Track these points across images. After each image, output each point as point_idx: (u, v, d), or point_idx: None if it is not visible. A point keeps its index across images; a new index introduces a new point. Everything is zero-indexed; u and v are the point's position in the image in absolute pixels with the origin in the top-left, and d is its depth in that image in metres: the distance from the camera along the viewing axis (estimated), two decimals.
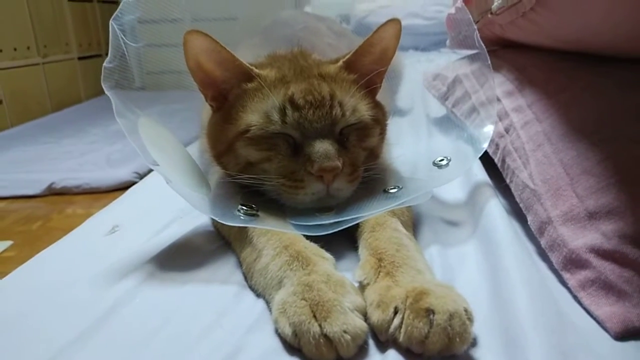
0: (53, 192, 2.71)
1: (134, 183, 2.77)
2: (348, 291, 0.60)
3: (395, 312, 0.56)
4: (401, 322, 0.55)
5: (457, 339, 0.52)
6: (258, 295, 0.68)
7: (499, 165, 0.92)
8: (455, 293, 0.57)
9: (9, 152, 2.57)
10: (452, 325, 0.52)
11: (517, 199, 0.82)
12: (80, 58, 3.32)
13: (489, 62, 0.94)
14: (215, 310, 0.64)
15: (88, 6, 3.44)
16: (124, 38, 0.79)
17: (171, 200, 0.95)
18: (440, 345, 0.53)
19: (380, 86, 0.90)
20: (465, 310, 0.55)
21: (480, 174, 0.98)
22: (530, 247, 0.77)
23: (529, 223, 0.77)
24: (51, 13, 3.03)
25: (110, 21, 0.77)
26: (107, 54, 0.77)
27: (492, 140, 0.94)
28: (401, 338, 0.54)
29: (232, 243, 0.79)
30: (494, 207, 0.81)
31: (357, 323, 0.55)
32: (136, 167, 2.79)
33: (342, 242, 0.77)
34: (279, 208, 0.79)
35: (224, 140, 0.82)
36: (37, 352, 0.58)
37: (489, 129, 0.90)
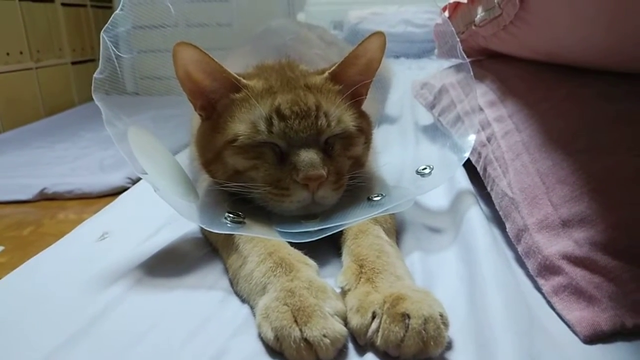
0: (45, 198, 2.71)
1: (126, 188, 2.79)
2: (329, 296, 0.62)
3: (374, 317, 0.58)
4: (379, 327, 0.57)
5: (432, 343, 0.55)
6: (243, 300, 0.70)
7: (480, 173, 0.95)
8: (432, 298, 0.59)
9: (1, 157, 2.58)
10: (427, 329, 0.55)
11: (497, 207, 0.84)
12: (73, 63, 3.33)
13: (472, 73, 0.97)
14: (201, 316, 0.66)
15: (82, 11, 3.46)
16: (115, 50, 0.81)
17: (161, 207, 0.97)
18: (415, 349, 0.55)
19: (366, 97, 0.93)
20: (441, 315, 0.57)
21: (463, 181, 1.01)
22: (508, 254, 0.80)
23: (507, 230, 0.79)
24: (44, 18, 3.04)
25: (102, 33, 0.79)
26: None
27: (474, 149, 0.97)
28: (378, 342, 0.56)
29: (219, 250, 0.81)
30: (475, 215, 0.84)
31: (337, 327, 0.58)
32: (128, 172, 2.79)
33: (327, 249, 0.79)
34: (265, 215, 0.82)
35: (212, 149, 0.85)
36: (25, 357, 0.59)
37: (472, 138, 0.93)
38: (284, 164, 0.79)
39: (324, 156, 0.80)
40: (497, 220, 0.87)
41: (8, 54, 2.75)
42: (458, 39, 0.92)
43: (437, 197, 1.01)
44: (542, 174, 0.77)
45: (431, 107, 1.32)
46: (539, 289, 0.69)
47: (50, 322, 0.66)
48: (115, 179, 2.75)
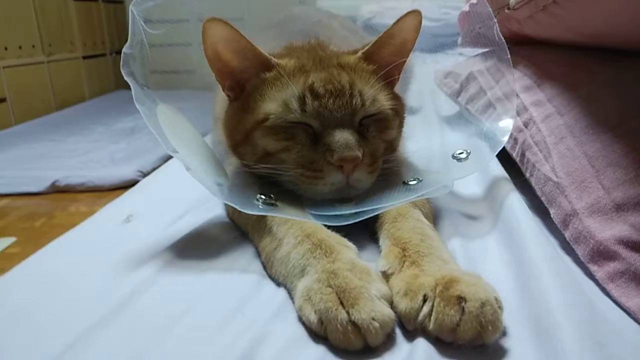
0: (56, 190, 2.70)
1: (137, 181, 2.78)
2: (374, 279, 0.58)
3: (424, 300, 0.54)
4: (431, 310, 0.53)
5: (490, 327, 0.51)
6: (279, 284, 0.66)
7: (517, 159, 0.91)
8: (485, 282, 0.56)
9: (13, 149, 2.56)
10: (484, 313, 0.51)
11: (539, 192, 0.80)
12: (85, 57, 3.32)
13: (509, 55, 0.93)
14: (235, 299, 0.63)
15: (93, 5, 3.44)
16: (143, 25, 0.78)
17: (185, 191, 0.94)
18: (472, 334, 0.51)
19: (399, 78, 0.90)
20: (496, 299, 0.53)
21: (497, 169, 0.97)
22: (553, 241, 0.76)
23: (552, 216, 0.75)
24: (56, 12, 3.03)
25: (130, 7, 0.76)
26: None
27: (509, 136, 0.93)
28: (431, 326, 0.53)
29: (250, 233, 0.78)
30: (515, 201, 0.80)
31: (385, 311, 0.54)
32: (140, 165, 2.78)
33: (362, 234, 0.75)
34: (296, 199, 0.78)
35: (241, 130, 0.81)
36: (54, 340, 0.56)
37: (508, 123, 0.89)
38: (317, 145, 0.76)
39: (359, 137, 0.77)
40: (537, 207, 0.83)
41: (20, 47, 2.73)
42: (495, 20, 0.89)
43: (470, 185, 0.97)
44: (590, 157, 0.74)
45: (457, 95, 1.28)
46: (590, 275, 0.66)
47: (76, 305, 0.63)
48: (126, 172, 2.74)
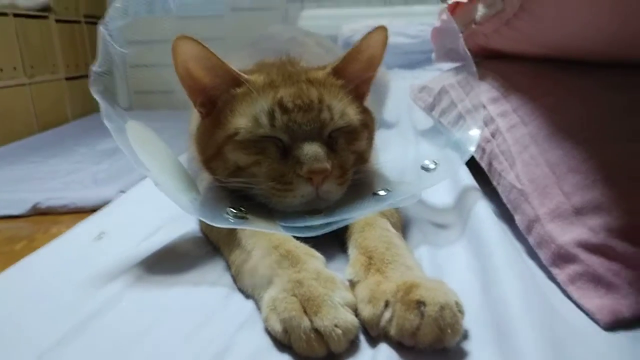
0: (38, 212, 2.67)
1: None
2: (338, 287, 0.59)
3: (386, 306, 0.55)
4: (392, 315, 0.54)
5: (449, 331, 0.52)
6: (247, 296, 0.67)
7: (485, 168, 0.93)
8: (446, 286, 0.57)
9: None
10: (444, 317, 0.52)
11: (505, 200, 0.82)
12: (67, 78, 3.32)
13: (474, 69, 0.96)
14: (203, 312, 0.63)
15: (76, 27, 3.46)
16: (113, 44, 0.79)
17: (159, 208, 0.94)
18: (432, 337, 0.52)
19: (368, 92, 0.92)
20: (456, 303, 0.54)
21: (466, 178, 0.99)
22: (518, 247, 0.77)
23: (517, 222, 0.77)
24: (38, 34, 3.04)
25: (99, 26, 0.78)
26: None
27: (478, 146, 0.95)
28: (392, 331, 0.54)
29: (221, 247, 0.78)
30: (482, 209, 0.82)
31: (348, 318, 0.55)
32: (122, 185, 2.77)
33: (331, 244, 0.77)
34: (268, 212, 0.79)
35: (212, 145, 0.83)
36: (21, 354, 0.56)
37: (476, 133, 0.91)
38: (287, 158, 0.77)
39: (328, 150, 0.78)
40: (503, 215, 0.85)
41: (1, 69, 2.73)
42: (461, 34, 0.91)
43: (440, 194, 0.99)
44: (552, 164, 0.75)
45: (431, 109, 1.31)
46: (552, 279, 0.67)
47: (46, 319, 0.63)
48: (108, 193, 2.72)
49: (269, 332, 0.58)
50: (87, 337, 0.59)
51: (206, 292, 0.68)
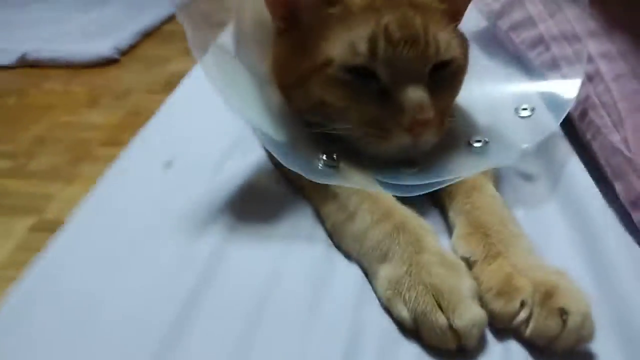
0: (25, 64, 2.52)
1: (114, 59, 2.57)
2: (465, 275, 0.57)
3: (521, 305, 0.54)
4: (528, 317, 0.53)
5: (585, 340, 0.52)
6: (349, 257, 0.64)
7: (576, 115, 0.86)
8: (578, 288, 0.55)
9: None
10: (585, 327, 0.52)
11: (603, 162, 0.78)
12: None
13: None
14: (313, 277, 0.61)
15: None
16: None
17: (213, 125, 0.87)
18: (570, 345, 0.52)
19: (465, 10, 0.81)
20: None
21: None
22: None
23: (617, 191, 0.73)
24: None
25: None
26: None
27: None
28: (529, 333, 0.53)
29: (306, 191, 0.73)
30: (578, 171, 0.78)
31: (482, 314, 0.54)
32: (115, 41, 2.62)
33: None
34: (356, 155, 0.73)
35: (294, 72, 0.73)
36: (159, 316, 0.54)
37: (574, 79, 0.83)
38: (385, 101, 0.69)
39: (430, 94, 0.70)
40: (592, 170, 0.81)
41: None
42: None
43: None
44: None
45: (497, 17, 1.18)
46: None
47: (146, 292, 0.58)
48: (101, 48, 2.57)
49: (387, 311, 0.57)
50: (214, 299, 0.57)
51: (307, 252, 0.65)
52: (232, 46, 0.84)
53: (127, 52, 2.66)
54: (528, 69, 1.04)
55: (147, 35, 2.92)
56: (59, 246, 0.66)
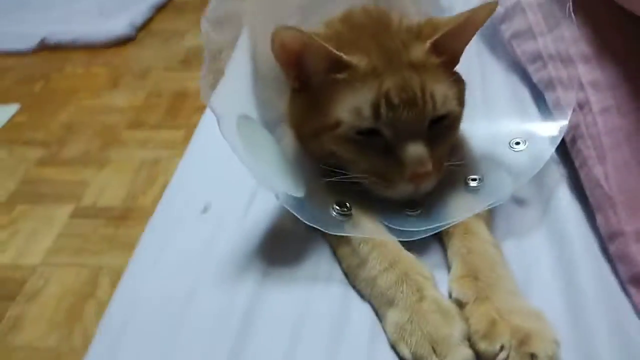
0: (46, 48, 2.57)
1: (130, 37, 2.61)
2: (457, 320, 0.69)
3: (501, 349, 0.67)
4: (506, 358, 0.66)
5: None
6: (362, 297, 0.77)
7: (567, 141, 0.93)
8: (549, 328, 0.67)
9: None
10: None
11: (587, 192, 0.85)
12: None
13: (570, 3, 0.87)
14: (332, 317, 0.74)
15: None
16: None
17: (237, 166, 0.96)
18: None
19: (462, 54, 0.88)
20: (557, 344, 0.66)
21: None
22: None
23: (597, 222, 0.82)
24: None
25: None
26: None
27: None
28: None
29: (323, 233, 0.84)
30: (565, 199, 0.87)
31: (469, 355, 0.67)
32: (131, 17, 2.65)
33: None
34: (364, 196, 0.84)
35: (309, 126, 0.84)
36: None
37: (565, 106, 0.90)
38: (389, 155, 0.79)
39: (428, 145, 0.80)
40: (579, 195, 0.89)
41: None
42: None
43: None
44: None
45: (500, 21, 1.22)
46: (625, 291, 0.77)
47: (191, 339, 0.72)
48: (118, 27, 2.62)
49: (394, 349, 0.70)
50: (251, 344, 0.70)
51: (326, 292, 0.77)
52: (249, 81, 0.93)
53: (142, 27, 2.69)
54: (527, 80, 1.11)
55: (160, 8, 2.94)
56: (118, 299, 0.80)
